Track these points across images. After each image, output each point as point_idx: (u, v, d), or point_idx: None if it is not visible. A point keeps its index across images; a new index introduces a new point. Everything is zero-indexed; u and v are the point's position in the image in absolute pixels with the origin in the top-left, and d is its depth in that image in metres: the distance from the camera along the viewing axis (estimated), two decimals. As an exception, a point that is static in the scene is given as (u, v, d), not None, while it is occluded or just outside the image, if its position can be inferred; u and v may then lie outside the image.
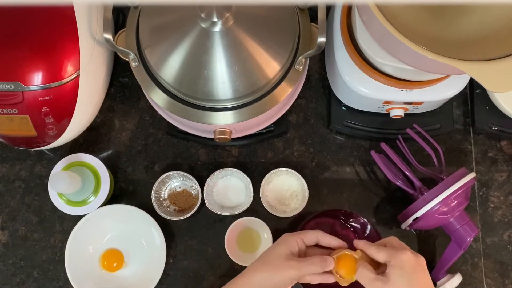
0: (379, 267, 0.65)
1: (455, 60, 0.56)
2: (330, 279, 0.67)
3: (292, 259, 0.64)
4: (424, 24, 0.60)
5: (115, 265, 0.83)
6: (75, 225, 0.81)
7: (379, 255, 0.64)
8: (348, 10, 0.75)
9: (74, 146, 0.88)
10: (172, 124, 0.83)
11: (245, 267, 0.83)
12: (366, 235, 0.81)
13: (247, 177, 0.83)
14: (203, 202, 0.84)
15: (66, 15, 0.74)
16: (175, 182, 0.87)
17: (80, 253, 0.82)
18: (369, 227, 0.81)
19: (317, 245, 0.69)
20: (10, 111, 0.74)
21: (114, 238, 0.84)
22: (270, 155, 0.88)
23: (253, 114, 0.72)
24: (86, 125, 0.83)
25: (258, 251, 0.84)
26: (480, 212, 0.87)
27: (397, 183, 0.81)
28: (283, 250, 0.66)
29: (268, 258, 0.66)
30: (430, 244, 0.86)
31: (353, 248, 0.67)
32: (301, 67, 0.72)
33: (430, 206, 0.76)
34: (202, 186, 0.84)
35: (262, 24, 0.70)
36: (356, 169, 0.88)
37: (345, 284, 0.66)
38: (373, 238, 0.80)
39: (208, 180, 0.84)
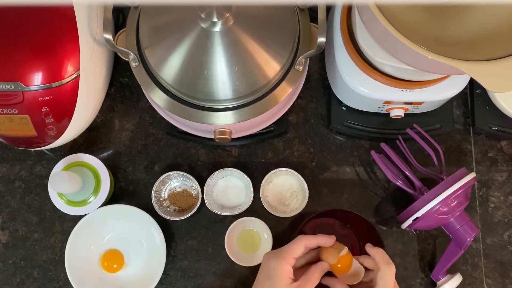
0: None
1: (455, 60, 0.56)
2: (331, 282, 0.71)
3: (293, 285, 0.64)
4: (424, 24, 0.60)
5: (115, 266, 0.83)
6: (75, 225, 0.81)
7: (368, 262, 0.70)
8: (348, 10, 0.75)
9: (74, 146, 0.88)
10: (172, 124, 0.83)
11: (245, 267, 0.83)
12: (366, 235, 0.81)
13: (247, 177, 0.83)
14: (203, 202, 0.84)
15: (66, 15, 0.74)
16: (175, 182, 0.87)
17: (80, 253, 0.82)
18: (369, 227, 0.81)
19: None
20: (10, 111, 0.74)
21: (114, 238, 0.84)
22: (270, 155, 0.88)
23: (253, 114, 0.72)
24: (86, 125, 0.83)
25: (258, 251, 0.83)
26: (480, 212, 0.87)
27: (397, 183, 0.81)
28: (283, 281, 0.64)
29: None
30: (430, 244, 0.86)
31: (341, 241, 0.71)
32: (301, 67, 0.72)
33: (430, 206, 0.76)
34: (202, 186, 0.84)
35: (262, 24, 0.70)
36: (356, 169, 0.88)
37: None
38: (373, 238, 0.80)
39: (208, 180, 0.84)
